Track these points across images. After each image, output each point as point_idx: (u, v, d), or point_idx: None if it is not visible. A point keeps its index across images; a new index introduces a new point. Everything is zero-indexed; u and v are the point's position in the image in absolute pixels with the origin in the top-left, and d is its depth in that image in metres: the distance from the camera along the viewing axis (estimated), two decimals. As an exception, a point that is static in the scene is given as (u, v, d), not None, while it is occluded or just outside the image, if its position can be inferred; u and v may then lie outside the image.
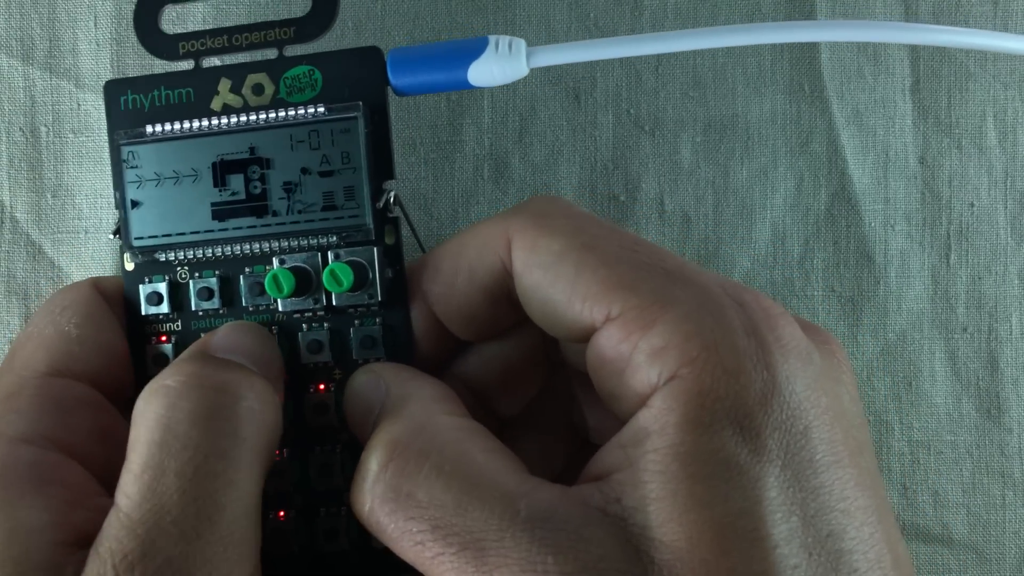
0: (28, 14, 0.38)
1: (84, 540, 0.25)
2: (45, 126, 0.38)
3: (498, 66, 0.30)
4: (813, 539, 0.24)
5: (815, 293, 0.38)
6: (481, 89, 0.38)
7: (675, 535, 0.23)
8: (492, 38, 0.30)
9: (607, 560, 0.23)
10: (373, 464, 0.26)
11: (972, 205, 0.38)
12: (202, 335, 0.30)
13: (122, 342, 0.32)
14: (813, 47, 0.38)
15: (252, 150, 0.31)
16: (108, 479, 0.28)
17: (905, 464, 0.38)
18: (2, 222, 0.38)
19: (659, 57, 0.38)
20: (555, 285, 0.27)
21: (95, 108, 0.38)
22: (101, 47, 0.38)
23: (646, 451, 0.24)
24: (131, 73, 0.38)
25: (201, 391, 0.26)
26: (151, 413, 0.26)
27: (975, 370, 0.38)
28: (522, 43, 0.30)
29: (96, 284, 0.32)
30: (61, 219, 0.38)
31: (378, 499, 0.26)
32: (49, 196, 0.38)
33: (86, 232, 0.38)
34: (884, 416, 0.38)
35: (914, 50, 0.38)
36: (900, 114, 0.38)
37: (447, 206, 0.38)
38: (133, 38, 0.38)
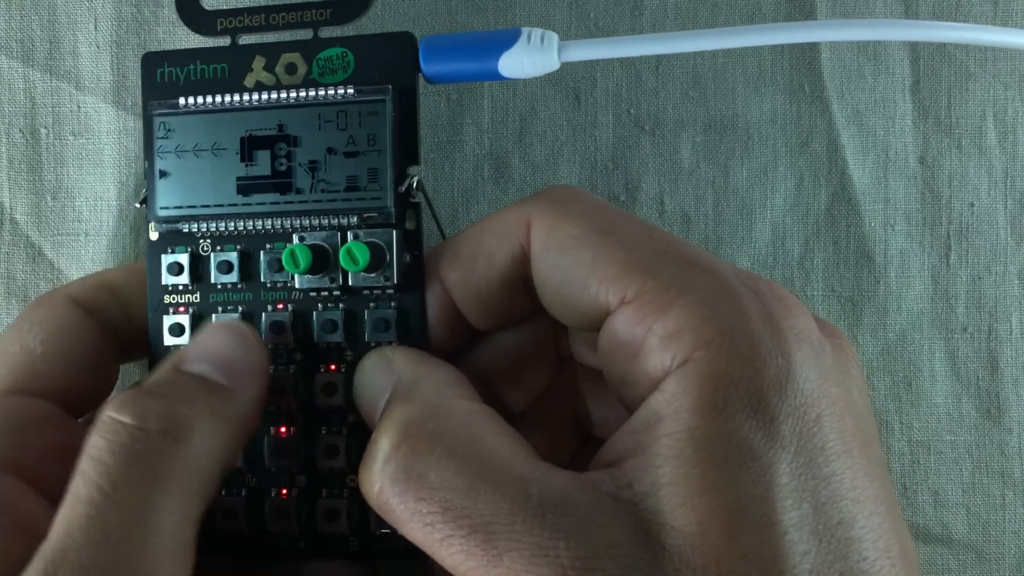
0: (28, 15, 0.38)
1: (20, 566, 0.25)
2: (45, 128, 0.38)
3: (529, 58, 0.30)
4: (824, 526, 0.24)
5: (815, 293, 0.38)
6: (483, 88, 0.38)
7: (687, 520, 0.23)
8: (525, 30, 0.30)
9: (618, 546, 0.23)
10: (384, 444, 0.26)
11: (972, 205, 0.38)
12: (219, 309, 0.31)
13: (93, 355, 0.31)
14: (813, 47, 0.38)
15: (280, 127, 0.31)
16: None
17: (905, 464, 0.38)
18: (2, 223, 0.38)
19: (659, 57, 0.38)
20: (572, 268, 0.27)
21: (95, 111, 0.38)
22: (101, 50, 0.38)
23: (659, 435, 0.24)
24: (132, 78, 0.38)
25: (133, 430, 0.26)
26: (87, 441, 0.26)
27: (975, 370, 0.38)
28: (554, 36, 0.30)
29: (72, 295, 0.32)
30: (61, 221, 0.38)
31: (388, 479, 0.26)
32: (49, 198, 0.38)
33: (86, 235, 0.38)
34: (884, 416, 0.38)
35: (914, 50, 0.38)
36: (900, 114, 0.38)
37: (447, 206, 0.38)
38: (133, 41, 0.38)
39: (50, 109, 0.38)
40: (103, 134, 0.38)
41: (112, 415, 0.26)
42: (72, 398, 0.31)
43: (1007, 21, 0.38)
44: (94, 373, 0.32)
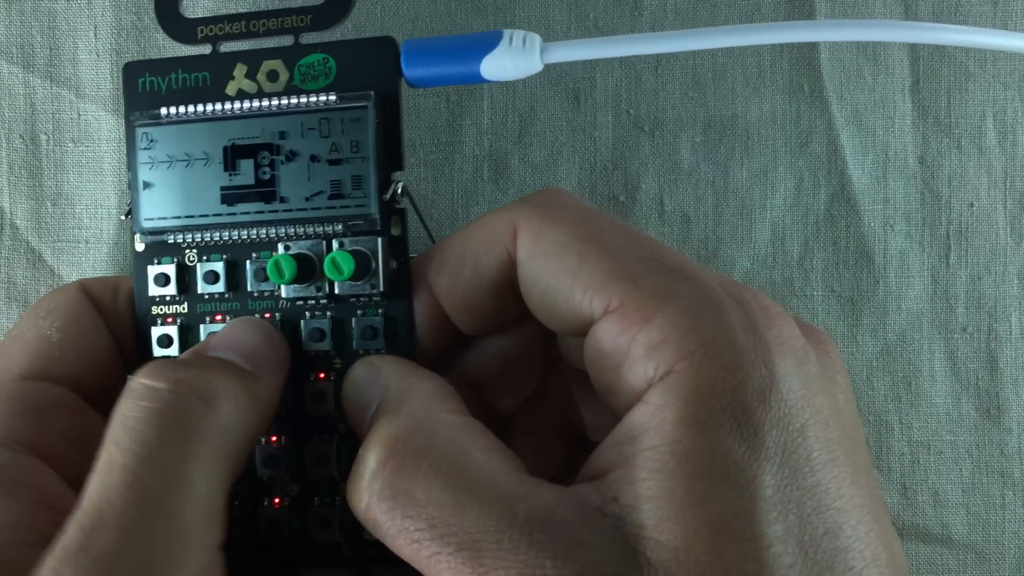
0: (28, 21, 0.38)
1: (49, 541, 0.25)
2: (45, 134, 0.38)
3: (511, 60, 0.30)
4: (809, 537, 0.24)
5: (815, 293, 0.38)
6: (482, 89, 0.38)
7: (671, 534, 0.23)
8: (507, 32, 0.30)
9: (604, 564, 0.23)
10: (371, 461, 0.26)
11: (972, 205, 0.38)
12: (207, 319, 0.32)
13: (106, 345, 0.32)
14: (813, 47, 0.38)
15: (263, 135, 0.31)
16: (80, 482, 0.28)
17: (905, 464, 0.38)
18: (2, 228, 0.38)
19: (659, 57, 0.38)
20: (557, 275, 0.27)
21: (95, 119, 0.38)
22: (101, 58, 0.38)
23: (643, 448, 0.24)
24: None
25: (166, 394, 0.26)
26: (117, 409, 0.26)
27: (975, 370, 0.38)
28: (536, 38, 0.30)
29: (84, 287, 0.32)
30: (61, 228, 0.38)
31: (376, 496, 0.26)
32: (49, 204, 0.38)
33: (87, 242, 0.38)
34: (884, 416, 0.38)
35: (914, 50, 0.38)
36: (900, 114, 0.38)
37: (447, 206, 0.38)
38: (133, 49, 0.38)
39: (50, 115, 0.38)
40: (103, 142, 0.38)
41: (144, 381, 0.27)
42: (85, 387, 0.31)
43: (1007, 21, 0.38)
44: (106, 364, 0.32)
